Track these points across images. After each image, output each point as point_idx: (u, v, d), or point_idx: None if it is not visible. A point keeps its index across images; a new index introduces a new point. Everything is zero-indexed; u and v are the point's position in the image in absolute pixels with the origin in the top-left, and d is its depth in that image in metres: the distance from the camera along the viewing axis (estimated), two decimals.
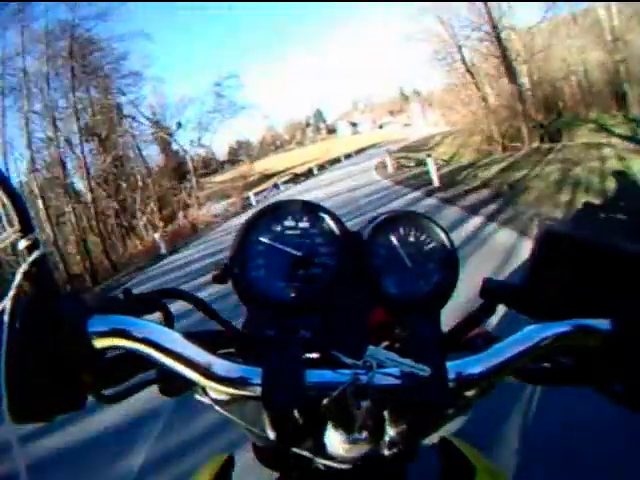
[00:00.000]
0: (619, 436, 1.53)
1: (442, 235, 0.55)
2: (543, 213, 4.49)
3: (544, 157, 10.06)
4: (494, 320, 0.48)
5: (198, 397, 0.48)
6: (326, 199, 11.00)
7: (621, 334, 0.39)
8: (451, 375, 0.41)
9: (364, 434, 0.44)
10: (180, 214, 21.25)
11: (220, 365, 0.40)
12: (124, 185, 20.58)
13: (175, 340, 0.41)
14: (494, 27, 16.06)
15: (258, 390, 0.40)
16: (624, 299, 0.40)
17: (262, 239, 0.52)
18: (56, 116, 17.58)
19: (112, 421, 2.48)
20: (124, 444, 2.30)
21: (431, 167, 9.81)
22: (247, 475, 0.63)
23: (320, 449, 0.46)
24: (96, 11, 18.28)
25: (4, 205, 0.37)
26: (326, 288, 0.50)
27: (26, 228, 0.38)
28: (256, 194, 22.89)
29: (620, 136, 10.01)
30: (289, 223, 0.54)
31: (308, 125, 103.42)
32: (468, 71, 18.56)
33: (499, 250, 3.71)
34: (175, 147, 25.93)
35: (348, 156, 35.93)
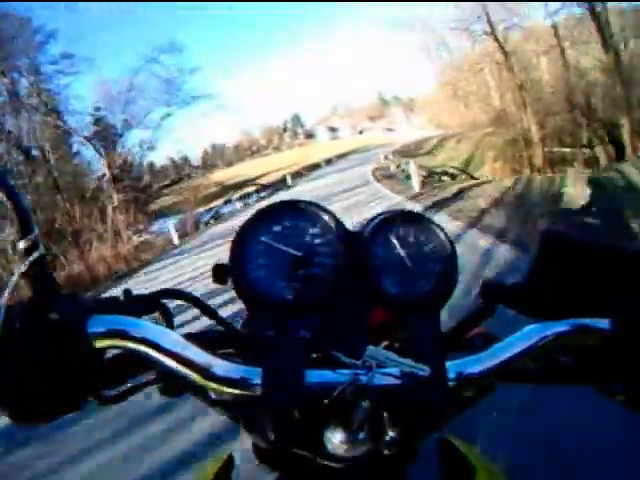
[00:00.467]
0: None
1: (442, 235, 0.55)
2: None
3: None
4: (494, 320, 0.48)
5: (198, 397, 0.48)
6: None
7: (621, 334, 0.39)
8: (451, 375, 0.41)
9: (364, 434, 0.44)
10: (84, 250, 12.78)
11: (220, 365, 0.41)
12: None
13: (175, 340, 0.41)
14: None
15: (258, 390, 0.40)
16: (623, 299, 0.40)
17: (262, 239, 0.52)
18: None
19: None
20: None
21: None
22: (247, 475, 0.62)
23: (320, 449, 0.46)
24: None
25: (4, 206, 0.37)
26: (326, 288, 0.50)
27: (26, 229, 0.38)
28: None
29: None
30: (289, 223, 0.53)
31: (285, 130, 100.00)
32: (501, 48, 14.78)
33: None
34: (122, 149, 21.42)
35: (329, 161, 32.31)
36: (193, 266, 7.94)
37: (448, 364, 0.41)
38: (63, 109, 18.75)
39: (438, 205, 7.93)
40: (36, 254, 0.38)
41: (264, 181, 27.99)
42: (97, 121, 21.27)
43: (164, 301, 0.48)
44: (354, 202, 9.61)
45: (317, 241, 0.53)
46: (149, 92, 20.47)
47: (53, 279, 0.40)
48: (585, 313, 0.41)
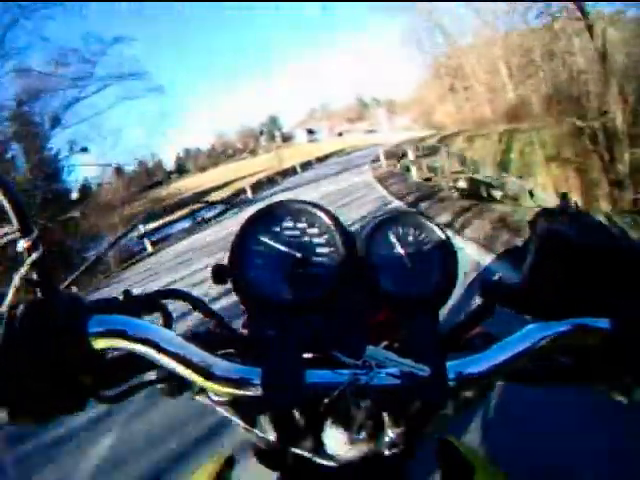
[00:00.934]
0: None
1: (441, 234, 0.55)
2: None
3: None
4: (493, 320, 0.48)
5: (198, 397, 0.48)
6: None
7: (620, 333, 0.39)
8: (451, 375, 0.41)
9: (364, 434, 0.44)
10: None
11: (220, 365, 0.41)
12: None
13: (174, 341, 0.41)
14: None
15: (258, 390, 0.40)
16: (623, 299, 0.40)
17: (261, 239, 0.52)
18: None
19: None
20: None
21: None
22: (247, 475, 0.63)
23: (320, 449, 0.46)
24: None
25: (4, 206, 0.37)
26: (325, 288, 0.50)
27: (25, 229, 0.38)
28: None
29: None
30: (288, 223, 0.53)
31: (262, 133, 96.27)
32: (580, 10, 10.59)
33: None
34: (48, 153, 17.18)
35: (306, 166, 28.19)
36: None
37: (448, 364, 0.41)
38: None
39: None
40: (36, 254, 0.38)
41: (231, 189, 23.85)
42: (17, 117, 16.89)
43: (164, 301, 0.48)
44: None
45: (316, 241, 0.52)
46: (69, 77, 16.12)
47: (53, 279, 0.40)
48: (585, 313, 0.41)
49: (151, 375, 0.47)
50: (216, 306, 0.69)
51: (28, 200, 12.90)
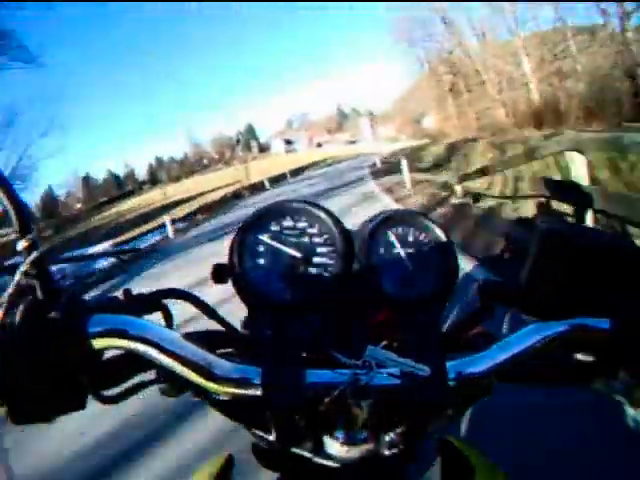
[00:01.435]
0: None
1: (441, 234, 0.55)
2: None
3: None
4: (493, 320, 0.48)
5: (198, 397, 0.48)
6: None
7: (620, 333, 0.40)
8: (451, 375, 0.41)
9: (364, 434, 0.45)
10: None
11: (220, 365, 0.41)
12: None
13: (175, 340, 0.41)
14: None
15: (258, 390, 0.40)
16: (623, 299, 0.40)
17: (261, 239, 0.52)
18: None
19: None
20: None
21: None
22: (247, 475, 0.63)
23: (320, 449, 0.46)
24: None
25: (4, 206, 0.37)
26: (325, 288, 0.50)
27: (24, 229, 0.38)
28: None
29: None
30: (288, 223, 0.53)
31: (238, 142, 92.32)
32: None
33: None
34: None
35: (278, 181, 24.35)
36: None
37: (448, 364, 0.41)
38: None
39: None
40: (35, 254, 0.38)
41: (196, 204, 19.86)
42: None
43: (164, 301, 0.48)
44: None
45: (316, 241, 0.52)
46: None
47: (53, 279, 0.40)
48: (585, 313, 0.41)
49: (151, 375, 0.46)
50: (216, 306, 0.53)
51: None
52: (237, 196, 20.20)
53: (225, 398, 0.44)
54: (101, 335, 0.39)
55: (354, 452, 0.45)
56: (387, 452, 0.47)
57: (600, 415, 1.36)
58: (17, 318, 0.36)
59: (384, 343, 0.48)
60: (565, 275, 0.41)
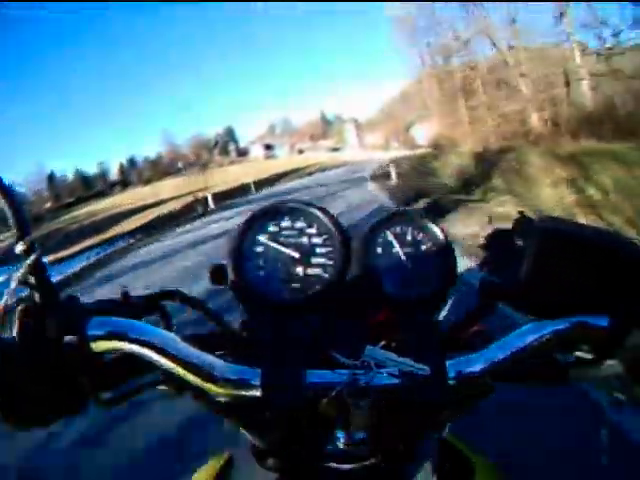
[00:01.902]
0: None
1: (440, 234, 0.55)
2: None
3: None
4: (493, 318, 0.48)
5: (197, 398, 0.48)
6: None
7: (619, 331, 0.40)
8: (450, 374, 0.41)
9: (364, 434, 0.44)
10: None
11: (219, 366, 0.41)
12: None
13: (174, 342, 0.41)
14: None
15: (257, 391, 0.40)
16: (622, 296, 0.40)
17: (260, 239, 0.52)
18: None
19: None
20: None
21: None
22: (247, 475, 0.63)
23: (320, 449, 0.46)
24: None
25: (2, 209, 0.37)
26: (324, 288, 0.50)
27: (22, 232, 0.38)
28: None
29: None
30: (287, 223, 0.53)
31: (216, 145, 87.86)
32: None
33: None
34: None
35: (232, 196, 18.80)
36: None
37: (448, 363, 0.41)
38: None
39: None
40: (33, 257, 0.37)
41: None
42: None
43: (163, 302, 0.48)
44: None
45: (315, 241, 0.52)
46: None
47: (51, 281, 0.39)
48: (584, 311, 0.41)
49: (151, 377, 0.46)
50: (215, 307, 0.55)
51: None
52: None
53: (225, 399, 0.44)
54: (100, 338, 0.39)
55: (354, 452, 0.45)
56: (387, 452, 0.47)
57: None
58: (16, 321, 0.36)
59: (383, 343, 0.47)
60: (565, 273, 0.41)
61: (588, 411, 1.43)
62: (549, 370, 0.46)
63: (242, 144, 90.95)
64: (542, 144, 9.46)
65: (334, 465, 0.46)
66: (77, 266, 9.76)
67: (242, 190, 20.61)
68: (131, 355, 0.41)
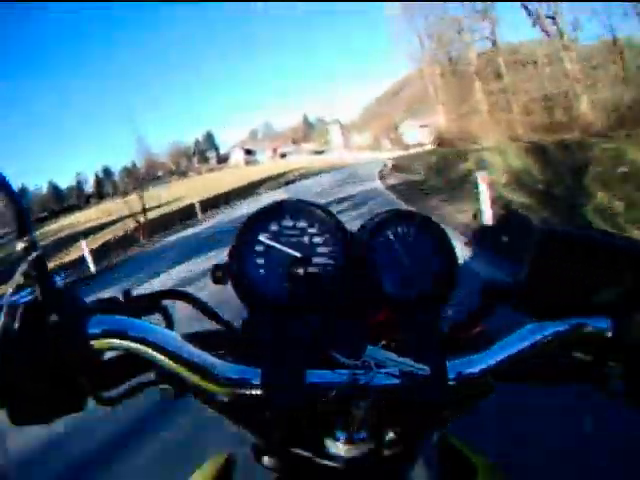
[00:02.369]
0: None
1: (441, 234, 0.55)
2: None
3: None
4: (494, 319, 0.48)
5: (198, 398, 0.48)
6: None
7: (620, 332, 0.40)
8: (451, 374, 0.41)
9: (364, 434, 0.44)
10: None
11: (220, 366, 0.41)
12: None
13: (174, 341, 0.41)
14: None
15: (258, 391, 0.40)
16: (623, 297, 0.40)
17: (261, 239, 0.52)
18: None
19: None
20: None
21: None
22: (247, 475, 0.63)
23: (320, 449, 0.46)
24: None
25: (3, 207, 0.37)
26: (325, 288, 0.50)
27: (23, 229, 0.38)
28: None
29: None
30: (288, 223, 0.53)
31: (195, 152, 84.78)
32: None
33: None
34: None
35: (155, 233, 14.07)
36: None
37: (448, 364, 0.41)
38: None
39: None
40: (34, 254, 0.37)
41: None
42: None
43: (164, 302, 0.48)
44: None
45: (316, 241, 0.52)
46: None
47: (52, 280, 0.39)
48: (585, 312, 0.41)
49: (151, 376, 0.46)
50: (216, 306, 0.55)
51: None
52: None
53: (225, 399, 0.44)
54: (101, 336, 0.39)
55: (354, 452, 0.45)
56: (387, 452, 0.47)
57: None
58: (17, 319, 0.36)
59: (383, 343, 0.46)
60: (566, 274, 0.41)
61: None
62: (550, 370, 0.45)
63: (224, 150, 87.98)
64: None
65: (334, 465, 0.46)
66: None
67: (182, 215, 16.12)
68: (131, 354, 0.40)
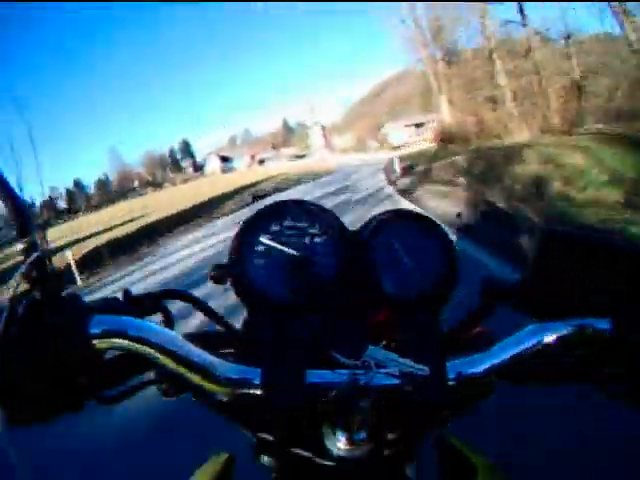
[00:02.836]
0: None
1: (441, 234, 0.55)
2: None
3: None
4: (494, 319, 0.48)
5: (198, 398, 0.48)
6: None
7: (622, 333, 0.40)
8: (451, 375, 0.41)
9: (364, 434, 0.44)
10: None
11: (220, 366, 0.41)
12: None
13: (175, 341, 0.41)
14: None
15: (258, 390, 0.40)
16: (624, 298, 0.40)
17: (261, 239, 0.52)
18: None
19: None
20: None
21: None
22: (247, 475, 0.63)
23: (320, 449, 0.46)
24: None
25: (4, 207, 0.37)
26: (325, 288, 0.50)
27: (24, 230, 0.38)
28: None
29: None
30: (288, 223, 0.53)
31: (170, 161, 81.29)
32: None
33: None
34: None
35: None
36: None
37: (448, 364, 0.41)
38: None
39: None
40: (35, 255, 0.37)
41: None
42: None
43: (164, 301, 0.48)
44: None
45: (316, 241, 0.52)
46: None
47: (53, 280, 0.39)
48: (586, 313, 0.41)
49: (151, 375, 0.46)
50: (216, 306, 0.56)
51: None
52: None
53: (225, 398, 0.44)
54: (101, 336, 0.39)
55: (354, 452, 0.45)
56: (387, 452, 0.47)
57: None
58: (18, 319, 0.36)
59: (383, 343, 0.47)
60: (567, 274, 0.41)
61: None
62: (550, 371, 0.45)
63: (201, 158, 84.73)
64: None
65: (334, 465, 0.46)
66: None
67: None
68: (132, 353, 0.40)
